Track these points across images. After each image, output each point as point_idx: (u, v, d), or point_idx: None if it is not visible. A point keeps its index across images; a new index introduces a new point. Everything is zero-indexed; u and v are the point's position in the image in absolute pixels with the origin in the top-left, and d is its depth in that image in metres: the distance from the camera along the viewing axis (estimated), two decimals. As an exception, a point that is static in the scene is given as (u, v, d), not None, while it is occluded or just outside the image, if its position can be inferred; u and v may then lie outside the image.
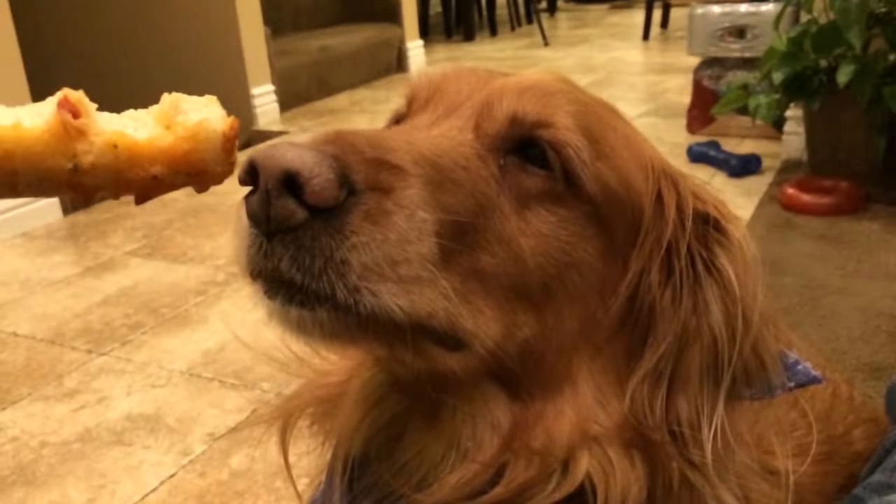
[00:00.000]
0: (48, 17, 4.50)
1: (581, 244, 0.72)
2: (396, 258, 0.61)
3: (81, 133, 0.54)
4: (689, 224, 0.75)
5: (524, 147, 0.72)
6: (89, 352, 2.26)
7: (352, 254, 0.59)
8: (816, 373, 0.86)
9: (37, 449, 1.83)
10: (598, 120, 0.75)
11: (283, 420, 0.86)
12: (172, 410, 1.96)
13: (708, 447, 0.71)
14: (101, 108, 0.57)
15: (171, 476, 1.71)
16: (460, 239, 0.65)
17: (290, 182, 0.58)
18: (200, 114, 0.57)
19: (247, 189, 0.62)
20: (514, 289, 0.69)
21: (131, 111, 0.58)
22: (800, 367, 0.85)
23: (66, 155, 0.53)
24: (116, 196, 0.57)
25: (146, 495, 1.66)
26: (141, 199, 0.58)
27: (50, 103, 0.54)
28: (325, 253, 0.59)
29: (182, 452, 1.79)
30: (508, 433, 0.73)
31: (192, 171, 0.57)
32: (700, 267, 0.74)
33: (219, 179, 0.59)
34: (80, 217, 3.36)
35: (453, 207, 0.65)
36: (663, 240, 0.75)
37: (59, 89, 0.56)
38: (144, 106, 0.60)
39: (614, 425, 0.73)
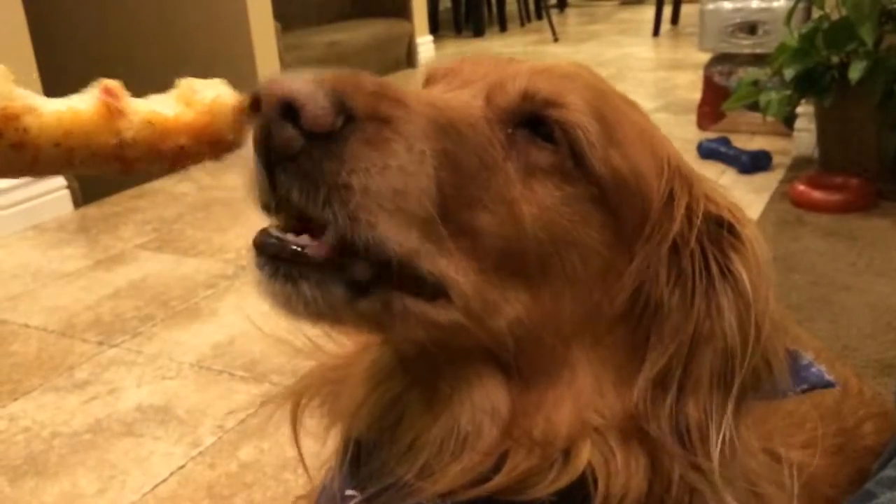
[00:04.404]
0: (58, 9, 4.51)
1: (585, 227, 0.71)
2: (396, 186, 0.61)
3: (122, 113, 0.63)
4: (696, 224, 0.74)
5: (534, 124, 0.71)
6: (100, 344, 2.27)
7: (352, 178, 0.60)
8: (830, 377, 0.85)
9: (48, 439, 1.85)
10: (613, 108, 0.74)
11: (295, 400, 0.86)
12: (182, 402, 1.97)
13: (715, 454, 0.70)
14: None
15: (181, 467, 1.72)
16: (459, 189, 0.65)
17: (288, 109, 0.59)
18: (214, 91, 0.67)
19: None
20: (510, 257, 0.69)
21: (154, 96, 0.67)
22: (813, 369, 0.85)
23: (112, 132, 0.63)
24: (151, 166, 0.66)
25: (156, 486, 1.67)
26: (171, 168, 0.67)
27: (91, 91, 0.64)
28: (327, 178, 0.60)
29: (192, 444, 1.80)
30: (508, 420, 0.72)
31: (210, 140, 0.66)
32: (714, 270, 0.73)
33: (232, 147, 0.67)
34: (91, 210, 3.37)
35: (455, 154, 0.65)
36: (669, 236, 0.74)
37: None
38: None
39: (614, 417, 0.72)
